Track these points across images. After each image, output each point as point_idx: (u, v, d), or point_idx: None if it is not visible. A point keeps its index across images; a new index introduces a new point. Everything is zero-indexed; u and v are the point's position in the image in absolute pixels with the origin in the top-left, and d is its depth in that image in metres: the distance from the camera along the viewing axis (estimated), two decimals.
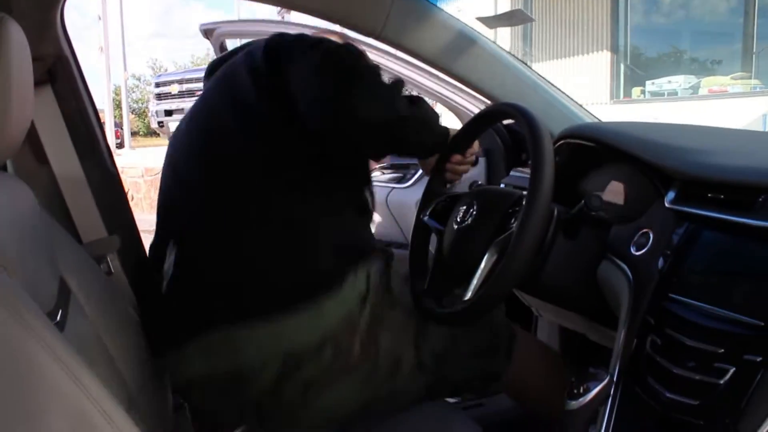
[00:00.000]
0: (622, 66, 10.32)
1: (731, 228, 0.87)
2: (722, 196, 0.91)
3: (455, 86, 1.87)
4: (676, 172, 1.01)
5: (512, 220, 1.12)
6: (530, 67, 1.61)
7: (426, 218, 1.36)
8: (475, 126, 1.32)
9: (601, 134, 1.19)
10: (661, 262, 0.96)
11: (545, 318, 1.56)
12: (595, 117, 1.64)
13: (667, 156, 1.04)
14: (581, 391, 0.88)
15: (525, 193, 1.06)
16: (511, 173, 1.73)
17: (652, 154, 1.07)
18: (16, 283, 0.72)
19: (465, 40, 1.50)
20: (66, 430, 0.70)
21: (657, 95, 9.55)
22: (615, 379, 0.95)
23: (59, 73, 1.36)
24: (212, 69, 1.36)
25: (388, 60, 1.88)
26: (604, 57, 10.26)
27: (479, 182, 1.46)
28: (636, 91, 10.05)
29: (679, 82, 9.29)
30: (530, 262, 1.04)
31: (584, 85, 9.35)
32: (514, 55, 1.63)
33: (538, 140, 1.06)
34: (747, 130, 1.50)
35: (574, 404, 0.88)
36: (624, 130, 1.21)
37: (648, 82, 9.79)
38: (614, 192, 1.22)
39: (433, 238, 1.33)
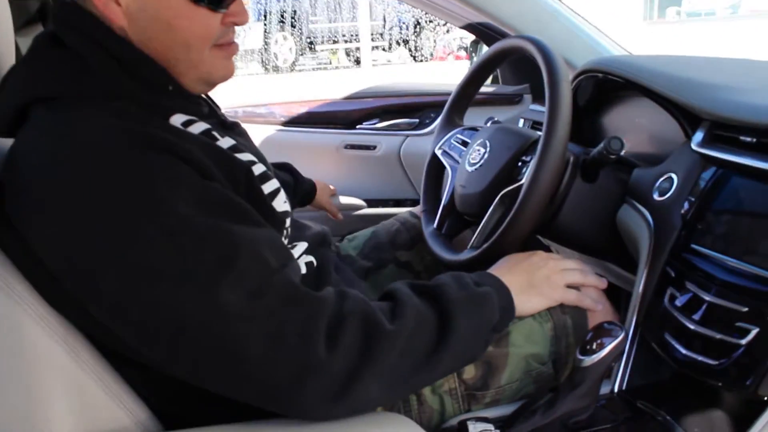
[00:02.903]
0: None
1: (762, 175, 0.80)
2: (754, 140, 0.83)
3: None
4: (704, 112, 0.92)
5: (523, 170, 1.05)
6: None
7: (440, 153, 1.29)
8: (489, 62, 1.24)
9: (624, 69, 1.10)
10: (684, 209, 0.89)
11: None
12: (623, 48, 1.53)
13: (695, 94, 0.96)
14: (594, 347, 0.84)
15: (540, 134, 0.99)
16: (531, 107, 1.65)
17: (678, 91, 0.98)
18: (5, 259, 0.70)
19: None
20: (65, 404, 0.70)
21: (693, 15, 9.13)
22: (631, 334, 0.91)
23: (50, 11, 1.30)
24: None
25: None
26: None
27: (495, 118, 1.38)
28: (671, 11, 9.60)
29: (717, 1, 8.86)
30: (540, 216, 0.98)
31: (615, 5, 8.93)
32: None
33: (554, 86, 0.97)
34: None
35: (587, 361, 0.84)
36: (649, 64, 1.12)
37: (684, 1, 9.33)
38: (638, 132, 1.14)
39: (447, 174, 1.28)
